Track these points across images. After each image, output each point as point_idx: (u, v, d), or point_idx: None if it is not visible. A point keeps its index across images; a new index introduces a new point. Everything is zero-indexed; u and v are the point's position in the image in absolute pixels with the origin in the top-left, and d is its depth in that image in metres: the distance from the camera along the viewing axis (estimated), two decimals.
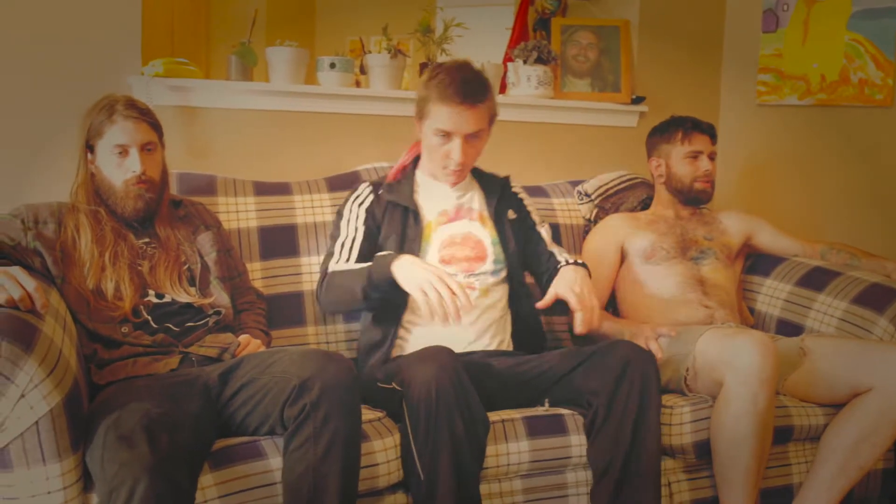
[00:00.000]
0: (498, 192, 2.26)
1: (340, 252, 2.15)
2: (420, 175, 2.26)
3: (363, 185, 2.27)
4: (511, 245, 2.21)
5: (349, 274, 2.06)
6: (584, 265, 2.16)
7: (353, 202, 2.23)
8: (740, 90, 3.22)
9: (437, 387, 1.74)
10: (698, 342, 2.14)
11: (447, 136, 2.08)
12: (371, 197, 2.22)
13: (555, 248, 2.26)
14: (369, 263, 2.01)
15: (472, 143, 2.11)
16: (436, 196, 2.22)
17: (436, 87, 2.05)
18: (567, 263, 2.16)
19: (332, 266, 2.14)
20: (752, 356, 1.97)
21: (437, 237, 2.18)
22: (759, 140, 3.20)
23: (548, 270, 2.21)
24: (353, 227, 2.19)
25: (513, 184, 2.35)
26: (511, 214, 2.27)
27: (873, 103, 2.81)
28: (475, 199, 2.25)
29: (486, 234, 2.21)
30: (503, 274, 2.21)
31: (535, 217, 2.33)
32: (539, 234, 2.29)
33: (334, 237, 2.21)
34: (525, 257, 2.27)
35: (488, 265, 2.19)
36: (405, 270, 1.92)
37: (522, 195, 2.37)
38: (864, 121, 2.87)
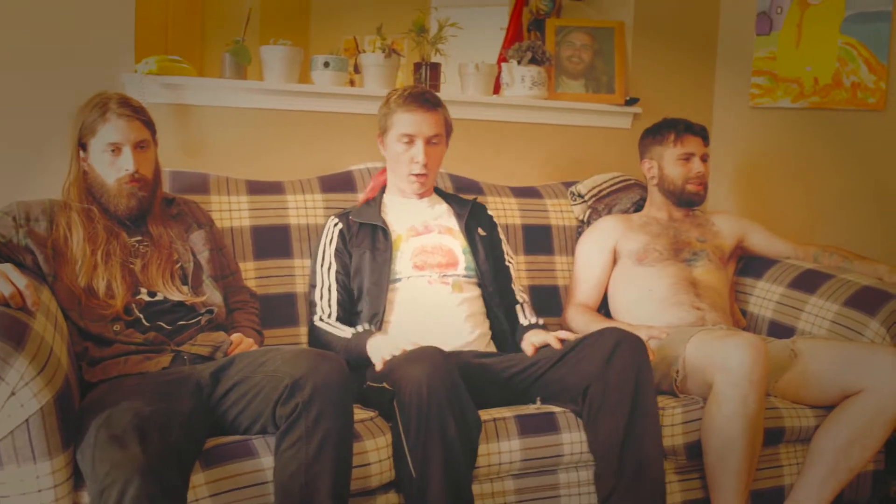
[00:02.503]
0: (467, 209, 2.38)
1: (320, 302, 2.23)
2: (388, 197, 2.38)
3: (330, 221, 2.34)
4: (481, 256, 2.31)
5: (332, 338, 2.15)
6: (544, 326, 2.29)
7: (325, 242, 2.31)
8: (734, 92, 3.23)
9: (429, 387, 1.74)
10: (689, 344, 2.14)
11: (410, 140, 2.25)
12: (339, 226, 2.31)
13: (515, 288, 2.36)
14: (349, 336, 2.10)
15: (433, 148, 2.28)
16: (404, 213, 2.34)
17: (395, 100, 2.28)
18: (530, 325, 2.26)
19: (317, 321, 2.22)
20: (742, 358, 1.97)
21: (408, 247, 2.27)
22: (752, 142, 3.20)
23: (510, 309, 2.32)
24: (328, 275, 2.25)
25: (490, 211, 2.48)
26: (481, 231, 2.37)
27: (866, 106, 2.82)
28: (443, 216, 2.37)
29: (456, 244, 2.31)
30: (475, 280, 2.29)
31: (507, 248, 2.44)
32: (507, 269, 2.39)
33: (313, 285, 2.28)
34: (494, 279, 2.34)
35: (460, 270, 2.27)
36: (374, 346, 2.01)
37: (496, 222, 2.48)
38: (856, 124, 2.88)
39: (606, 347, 1.93)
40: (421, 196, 2.35)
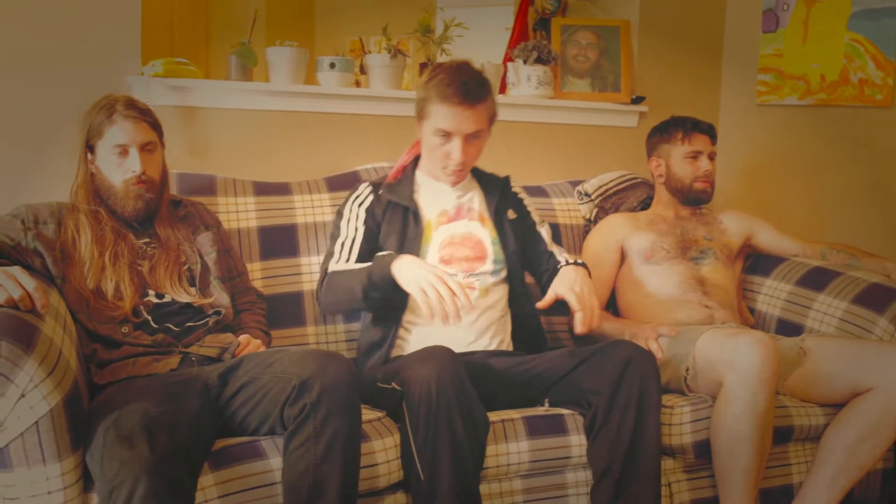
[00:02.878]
0: (498, 192, 2.26)
1: (340, 252, 2.15)
2: (420, 175, 2.25)
3: (363, 185, 2.26)
4: (511, 245, 2.21)
5: (349, 274, 2.06)
6: (583, 265, 2.16)
7: (354, 202, 2.23)
8: (740, 90, 3.22)
9: (438, 387, 1.74)
10: (698, 342, 2.14)
11: (447, 136, 2.08)
12: (371, 197, 2.22)
13: (554, 248, 2.26)
14: (369, 263, 2.02)
15: (472, 143, 2.11)
16: (436, 196, 2.22)
17: (435, 87, 2.05)
18: (567, 263, 2.16)
19: (332, 266, 2.14)
20: (752, 356, 1.97)
21: (437, 236, 2.17)
22: (759, 140, 3.19)
23: (548, 270, 2.21)
24: (353, 226, 2.18)
25: (513, 184, 2.35)
26: (511, 214, 2.26)
27: (873, 103, 2.81)
28: (475, 199, 2.25)
29: (485, 234, 2.21)
30: (503, 274, 2.21)
31: (535, 217, 2.33)
32: (539, 233, 2.29)
33: (334, 237, 2.21)
34: (525, 257, 2.27)
35: (488, 265, 2.19)
36: (405, 270, 1.92)
37: (522, 195, 2.37)
38: (864, 121, 2.87)
39: (618, 365, 1.90)
40: (454, 184, 2.21)
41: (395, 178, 2.26)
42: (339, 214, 2.25)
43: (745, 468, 2.00)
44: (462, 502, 1.76)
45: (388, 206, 2.19)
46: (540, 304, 2.06)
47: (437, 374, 1.75)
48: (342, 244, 2.16)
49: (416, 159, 2.28)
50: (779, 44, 3.07)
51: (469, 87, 2.03)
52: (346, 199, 2.26)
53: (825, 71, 2.94)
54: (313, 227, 2.43)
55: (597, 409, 1.92)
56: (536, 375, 2.04)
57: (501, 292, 2.22)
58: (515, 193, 2.34)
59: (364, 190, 2.25)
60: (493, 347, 2.16)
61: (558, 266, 2.16)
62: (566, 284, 2.03)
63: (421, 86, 2.11)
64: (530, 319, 2.26)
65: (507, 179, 2.33)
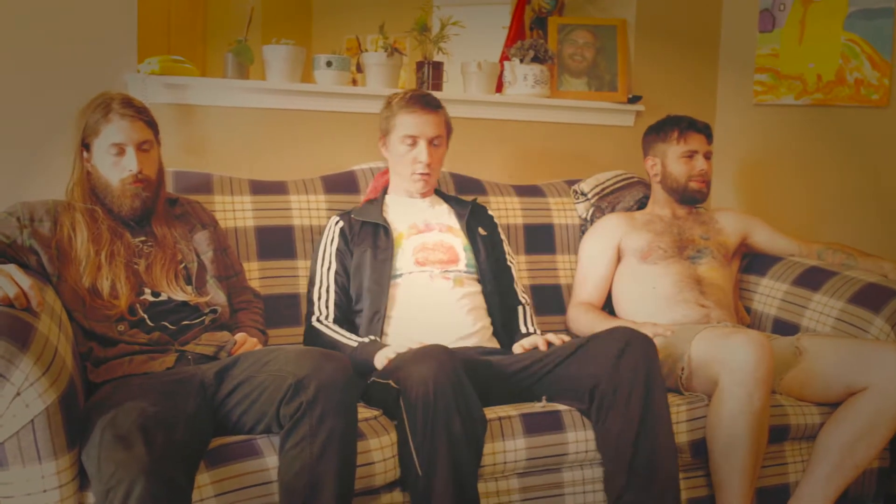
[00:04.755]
0: (467, 209, 2.40)
1: (318, 303, 2.24)
2: (389, 197, 2.40)
3: (332, 220, 2.36)
4: (482, 255, 2.32)
5: (337, 344, 2.14)
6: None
7: (325, 242, 2.32)
8: (737, 90, 3.23)
9: (435, 386, 1.74)
10: (693, 341, 2.14)
11: (413, 141, 2.28)
12: (341, 224, 2.33)
13: (518, 289, 2.40)
14: (355, 344, 2.11)
15: (435, 150, 2.31)
16: (405, 213, 2.35)
17: (398, 103, 2.31)
18: (528, 333, 2.29)
19: (314, 321, 2.23)
20: (747, 356, 1.97)
21: (410, 244, 2.29)
22: (755, 139, 3.20)
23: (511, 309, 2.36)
24: (326, 277, 2.27)
25: (490, 212, 2.50)
26: (482, 231, 2.38)
27: (869, 103, 2.82)
28: (444, 215, 2.39)
29: (457, 241, 2.33)
30: (475, 277, 2.31)
31: (508, 249, 2.46)
32: (509, 269, 2.42)
33: (311, 282, 2.29)
34: (495, 279, 2.36)
35: (461, 266, 2.29)
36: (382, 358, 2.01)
37: (497, 222, 2.49)
38: (860, 121, 2.87)
39: (615, 346, 1.93)
40: (423, 195, 2.37)
41: (366, 202, 2.40)
42: (314, 256, 2.34)
43: (740, 467, 2.00)
44: (459, 500, 1.76)
45: (360, 227, 2.31)
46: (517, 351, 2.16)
47: (435, 374, 1.76)
48: (319, 294, 2.26)
49: (385, 191, 2.43)
50: (775, 44, 3.07)
51: (427, 98, 2.32)
52: (320, 239, 2.34)
53: (821, 71, 2.94)
54: (309, 230, 2.43)
55: (602, 394, 1.92)
56: (530, 365, 2.05)
57: (477, 287, 2.30)
58: (491, 217, 2.49)
59: (332, 226, 2.34)
60: (476, 329, 2.21)
61: (522, 333, 2.30)
62: (529, 340, 2.18)
63: (382, 111, 2.36)
64: (505, 320, 2.33)
65: (482, 206, 2.50)
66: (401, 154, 2.30)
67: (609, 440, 1.93)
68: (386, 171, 2.46)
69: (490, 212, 2.50)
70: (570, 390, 2.00)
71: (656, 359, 1.94)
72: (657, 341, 2.23)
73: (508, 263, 2.43)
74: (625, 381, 1.90)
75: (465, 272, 2.28)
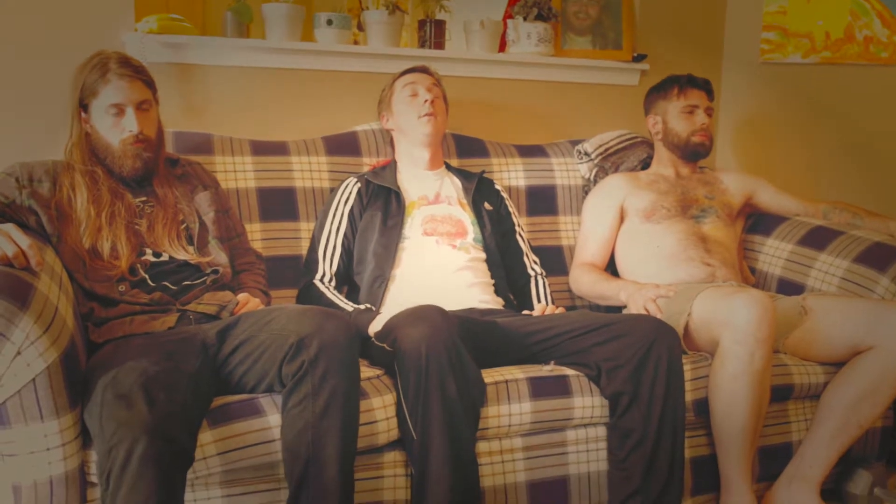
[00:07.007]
0: (474, 182, 2.43)
1: (322, 263, 2.27)
2: (402, 165, 2.43)
3: (349, 180, 2.38)
4: (488, 229, 2.35)
5: (333, 306, 2.14)
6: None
7: (339, 200, 2.34)
8: (743, 48, 3.18)
9: (428, 349, 1.73)
10: (696, 300, 2.13)
11: (414, 92, 2.37)
12: (359, 185, 2.34)
13: (528, 261, 2.46)
14: (350, 308, 2.11)
15: (437, 103, 2.37)
16: (417, 182, 2.38)
17: (395, 77, 2.43)
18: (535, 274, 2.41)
19: (317, 279, 2.24)
20: (748, 315, 1.96)
21: (419, 214, 2.30)
22: (761, 99, 3.16)
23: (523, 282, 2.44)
24: (335, 236, 2.29)
25: (497, 187, 2.53)
26: (487, 206, 2.41)
27: (878, 61, 2.77)
28: (452, 188, 2.42)
29: (465, 216, 2.37)
30: (482, 249, 2.33)
31: (517, 220, 2.49)
32: (517, 243, 2.45)
33: (316, 239, 2.32)
34: (502, 256, 2.39)
35: (469, 240, 2.31)
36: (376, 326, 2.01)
37: (505, 194, 2.52)
38: (868, 79, 2.83)
39: (640, 343, 1.91)
40: (431, 149, 2.39)
41: (381, 166, 2.45)
42: (324, 213, 2.35)
43: (742, 426, 2.00)
44: (456, 462, 1.76)
45: (373, 190, 2.33)
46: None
47: (428, 336, 1.74)
48: (324, 254, 2.28)
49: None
50: (783, 1, 3.02)
51: (420, 67, 2.45)
52: (332, 197, 2.35)
53: (830, 28, 2.89)
54: (311, 192, 2.42)
55: (623, 389, 1.91)
56: (543, 329, 2.03)
57: (483, 255, 2.33)
58: (498, 191, 2.51)
59: (350, 185, 2.36)
60: (478, 281, 2.25)
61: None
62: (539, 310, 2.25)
63: (382, 92, 2.47)
64: (510, 292, 2.37)
65: (489, 179, 2.52)
66: (405, 106, 2.36)
67: (623, 450, 1.93)
68: (388, 161, 2.48)
69: (496, 185, 2.52)
70: (579, 361, 2.00)
71: (680, 358, 1.95)
72: (659, 303, 2.23)
73: (518, 237, 2.45)
74: (646, 385, 1.90)
75: (472, 244, 2.31)
